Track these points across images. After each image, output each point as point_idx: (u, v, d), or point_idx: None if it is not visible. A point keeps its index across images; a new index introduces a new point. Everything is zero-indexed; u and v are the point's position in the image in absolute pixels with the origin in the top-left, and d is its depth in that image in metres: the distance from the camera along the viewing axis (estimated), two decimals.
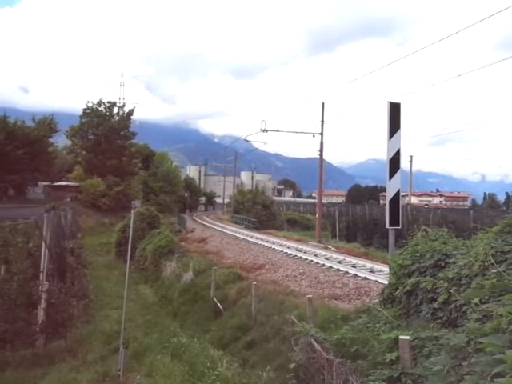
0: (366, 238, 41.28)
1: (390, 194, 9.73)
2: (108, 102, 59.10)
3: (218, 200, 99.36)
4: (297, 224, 56.97)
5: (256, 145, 48.63)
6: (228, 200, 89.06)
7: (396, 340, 5.59)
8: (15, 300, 12.50)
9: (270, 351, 9.51)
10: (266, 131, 34.41)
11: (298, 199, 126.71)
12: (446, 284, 6.20)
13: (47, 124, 53.16)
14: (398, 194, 9.75)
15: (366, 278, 15.28)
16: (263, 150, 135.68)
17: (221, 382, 7.83)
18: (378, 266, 17.66)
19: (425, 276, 6.80)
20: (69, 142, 62.10)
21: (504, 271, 5.01)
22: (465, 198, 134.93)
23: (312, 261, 19.78)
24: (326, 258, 20.51)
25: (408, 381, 5.05)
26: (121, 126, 59.17)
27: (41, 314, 12.80)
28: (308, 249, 24.87)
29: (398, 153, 9.71)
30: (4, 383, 10.12)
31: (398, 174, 9.71)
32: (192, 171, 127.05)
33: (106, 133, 56.94)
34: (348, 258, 20.63)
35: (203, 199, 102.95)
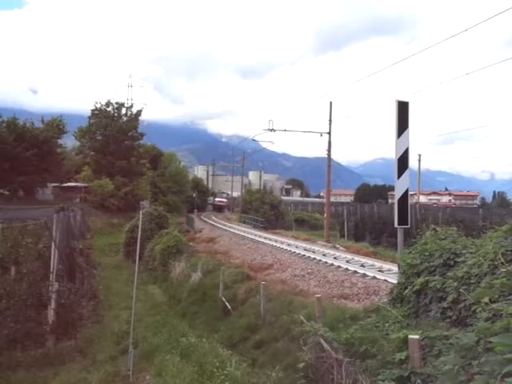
0: (374, 238, 41.15)
1: (398, 193, 9.71)
2: (116, 103, 59.51)
3: None
4: (305, 223, 56.97)
5: (264, 144, 48.50)
6: (226, 200, 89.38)
7: (405, 339, 5.56)
8: (25, 300, 12.60)
9: (279, 351, 9.49)
10: (274, 131, 34.33)
11: (306, 199, 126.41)
12: (455, 283, 6.17)
13: (56, 125, 53.44)
14: (406, 192, 9.73)
15: (374, 278, 15.21)
16: (271, 150, 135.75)
17: (230, 381, 7.85)
18: (386, 266, 17.58)
19: (434, 275, 6.77)
20: (77, 143, 62.63)
21: None
22: (474, 197, 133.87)
23: (320, 260, 19.73)
24: (335, 258, 20.45)
25: (418, 380, 5.02)
26: (129, 126, 59.45)
27: (51, 315, 12.90)
28: (316, 248, 24.82)
29: (406, 152, 9.68)
30: (16, 383, 10.21)
31: (406, 173, 9.69)
32: (200, 171, 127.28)
33: (114, 133, 57.22)
34: (357, 258, 20.57)
35: (211, 199, 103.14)
